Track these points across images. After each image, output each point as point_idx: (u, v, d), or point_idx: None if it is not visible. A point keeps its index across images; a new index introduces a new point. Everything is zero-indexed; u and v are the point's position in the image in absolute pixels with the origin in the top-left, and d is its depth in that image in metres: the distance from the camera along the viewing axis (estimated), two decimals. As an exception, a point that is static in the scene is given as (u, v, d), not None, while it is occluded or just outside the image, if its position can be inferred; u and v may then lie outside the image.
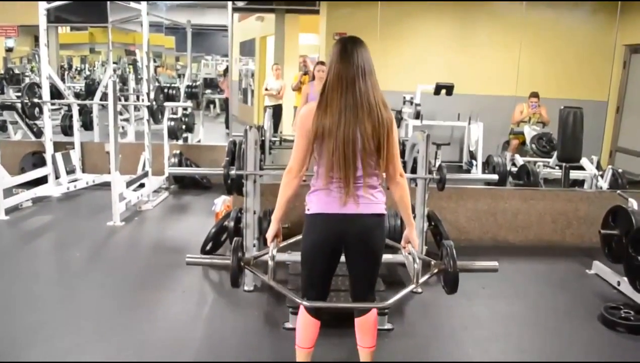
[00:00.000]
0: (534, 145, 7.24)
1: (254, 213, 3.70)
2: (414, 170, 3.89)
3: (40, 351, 2.84)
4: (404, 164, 4.11)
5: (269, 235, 2.42)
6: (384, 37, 8.50)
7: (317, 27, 9.48)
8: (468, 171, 7.92)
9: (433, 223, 4.20)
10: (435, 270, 2.46)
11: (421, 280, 2.44)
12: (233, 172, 3.61)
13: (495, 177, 4.64)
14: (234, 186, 3.78)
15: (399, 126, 8.16)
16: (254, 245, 3.74)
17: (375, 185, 2.28)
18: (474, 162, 7.79)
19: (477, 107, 7.94)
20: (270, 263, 2.34)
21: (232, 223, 3.98)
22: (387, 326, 3.16)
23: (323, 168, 2.24)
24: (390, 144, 2.24)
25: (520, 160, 6.88)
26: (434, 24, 8.64)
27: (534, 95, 7.72)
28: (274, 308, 3.42)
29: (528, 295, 3.84)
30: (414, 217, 3.78)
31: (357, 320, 2.47)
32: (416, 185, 3.78)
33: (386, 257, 3.84)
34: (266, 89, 8.86)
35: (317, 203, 2.29)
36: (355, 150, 2.18)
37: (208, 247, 4.21)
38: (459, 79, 7.88)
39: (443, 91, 7.76)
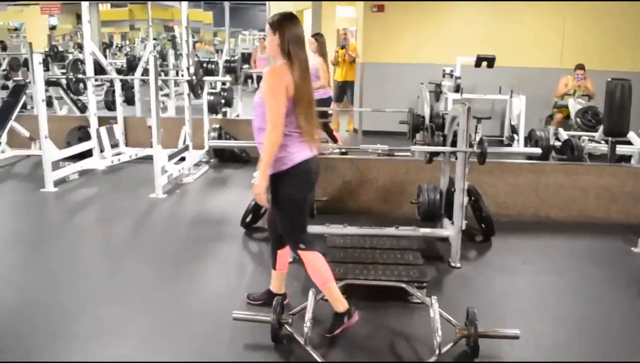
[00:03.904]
0: (578, 119, 7.03)
1: (293, 186, 3.72)
2: (454, 144, 3.83)
3: (88, 322, 2.96)
4: (444, 137, 4.06)
5: (262, 189, 2.63)
6: (422, 8, 8.34)
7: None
8: (509, 146, 7.76)
9: (473, 198, 4.15)
10: (458, 337, 2.61)
11: (444, 349, 2.53)
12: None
13: (538, 150, 4.55)
14: (273, 159, 3.79)
15: (438, 100, 8.04)
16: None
17: None
18: (515, 136, 7.62)
19: (519, 79, 7.74)
20: (306, 329, 2.60)
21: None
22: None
23: (296, 122, 2.62)
24: None
25: (564, 134, 6.69)
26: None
27: (580, 67, 7.48)
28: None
29: (569, 271, 3.76)
30: (454, 192, 3.76)
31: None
32: (456, 158, 3.73)
33: (424, 232, 3.85)
34: None
35: (301, 152, 2.65)
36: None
37: (248, 219, 4.27)
38: (500, 50, 7.68)
39: (484, 63, 7.58)
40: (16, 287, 3.41)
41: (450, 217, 3.86)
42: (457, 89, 7.65)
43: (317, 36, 6.38)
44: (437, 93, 8.18)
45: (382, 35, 8.49)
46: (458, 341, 2.60)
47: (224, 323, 2.86)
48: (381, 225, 3.90)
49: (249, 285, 3.41)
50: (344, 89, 8.78)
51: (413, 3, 8.32)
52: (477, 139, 3.83)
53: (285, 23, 2.62)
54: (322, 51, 6.21)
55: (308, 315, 2.64)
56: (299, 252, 2.77)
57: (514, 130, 7.74)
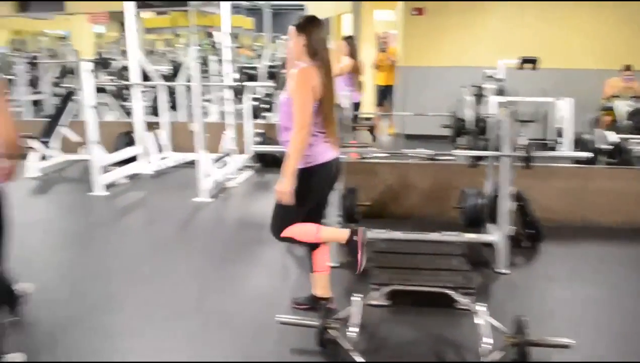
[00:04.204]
0: (628, 122, 6.82)
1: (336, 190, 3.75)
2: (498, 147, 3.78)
3: (135, 317, 3.07)
4: (486, 141, 4.02)
5: (288, 189, 2.64)
6: (462, 10, 8.25)
7: (392, 3, 9.34)
8: (552, 149, 7.57)
9: (520, 203, 4.08)
10: (507, 344, 2.56)
11: (495, 357, 2.51)
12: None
13: (588, 154, 4.41)
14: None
15: (479, 103, 7.92)
16: (339, 223, 3.81)
17: None
18: (558, 139, 7.44)
19: (561, 81, 7.56)
20: (352, 334, 2.61)
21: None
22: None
23: (321, 123, 2.70)
24: None
25: (614, 137, 6.49)
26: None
27: (628, 67, 7.27)
28: (357, 284, 3.47)
29: (620, 280, 3.65)
30: (496, 197, 3.71)
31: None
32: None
33: (469, 237, 3.81)
34: None
35: (326, 152, 2.75)
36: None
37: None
38: (541, 52, 7.51)
39: (526, 65, 7.42)
40: (66, 281, 3.59)
41: (495, 222, 3.81)
42: (501, 92, 7.52)
43: (348, 39, 6.43)
44: (478, 96, 8.07)
45: (423, 38, 8.44)
46: (507, 349, 2.57)
47: (269, 325, 2.90)
48: (424, 230, 3.88)
49: (294, 289, 3.45)
50: (385, 94, 8.78)
51: (452, 5, 8.25)
52: (522, 142, 3.76)
53: (311, 25, 2.69)
54: (352, 53, 6.26)
55: (354, 320, 2.66)
56: (282, 236, 2.82)
57: (558, 133, 7.56)
